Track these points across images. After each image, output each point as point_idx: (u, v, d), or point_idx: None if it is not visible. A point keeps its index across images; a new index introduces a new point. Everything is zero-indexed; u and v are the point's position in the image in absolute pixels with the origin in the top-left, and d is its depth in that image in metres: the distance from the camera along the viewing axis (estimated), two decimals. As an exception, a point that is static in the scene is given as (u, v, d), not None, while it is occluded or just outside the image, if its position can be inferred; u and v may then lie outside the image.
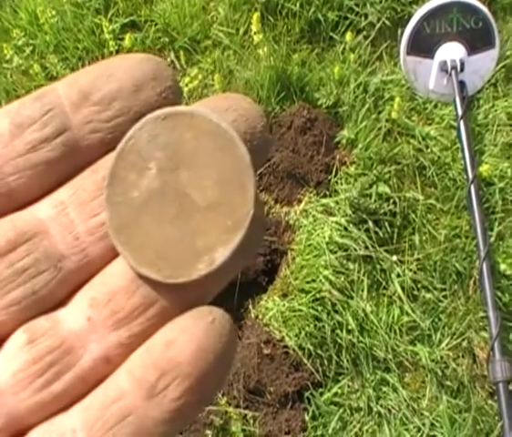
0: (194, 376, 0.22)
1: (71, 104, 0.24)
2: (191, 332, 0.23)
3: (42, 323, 0.23)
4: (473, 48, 1.59)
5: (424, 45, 1.60)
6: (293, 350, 1.38)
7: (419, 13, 1.57)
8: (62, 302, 0.24)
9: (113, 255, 0.24)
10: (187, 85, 1.67)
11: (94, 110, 0.24)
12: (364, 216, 1.46)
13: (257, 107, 0.26)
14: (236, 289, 1.41)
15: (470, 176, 1.45)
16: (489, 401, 1.36)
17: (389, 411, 1.37)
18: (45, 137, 0.23)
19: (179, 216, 0.24)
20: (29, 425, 0.23)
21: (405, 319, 1.43)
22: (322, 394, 1.38)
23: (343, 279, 1.43)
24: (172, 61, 1.72)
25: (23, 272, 0.23)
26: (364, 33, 1.71)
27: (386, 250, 1.46)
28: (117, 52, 1.68)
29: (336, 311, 1.41)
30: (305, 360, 1.38)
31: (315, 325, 1.40)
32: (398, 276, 1.45)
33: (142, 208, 0.24)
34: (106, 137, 0.24)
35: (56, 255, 0.23)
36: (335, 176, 1.53)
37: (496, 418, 1.33)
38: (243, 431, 1.33)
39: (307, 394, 1.37)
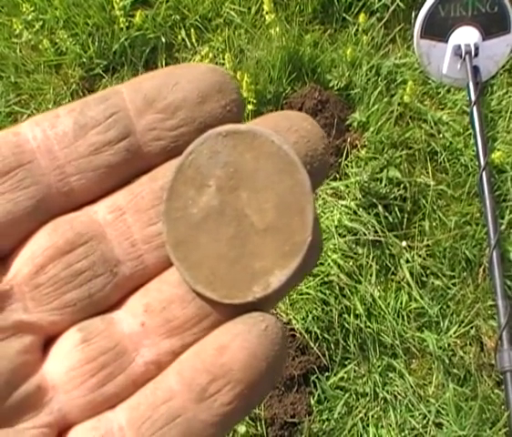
0: (246, 382, 0.23)
1: (135, 109, 0.24)
2: (244, 338, 0.23)
3: (97, 323, 0.24)
4: (488, 33, 1.57)
5: (438, 29, 1.58)
6: (300, 333, 1.38)
7: (434, -5, 1.54)
8: (115, 305, 0.24)
9: (167, 264, 0.24)
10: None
11: (158, 118, 0.24)
12: (374, 200, 1.45)
13: (318, 128, 0.25)
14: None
15: (482, 162, 1.43)
16: (496, 391, 1.36)
17: (395, 397, 1.37)
18: (108, 140, 0.24)
19: (236, 236, 0.24)
20: (76, 422, 0.23)
21: (413, 305, 1.42)
22: (328, 378, 1.37)
23: (351, 263, 1.42)
24: (183, 39, 1.70)
25: (80, 274, 0.23)
26: (378, 15, 1.68)
27: (396, 236, 1.45)
28: (128, 28, 1.66)
29: (344, 296, 1.41)
30: (312, 344, 1.37)
31: (323, 309, 1.39)
32: (407, 261, 1.44)
33: (200, 226, 0.24)
34: (168, 146, 0.24)
35: (113, 260, 0.24)
36: (346, 159, 1.51)
37: (503, 407, 1.32)
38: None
39: (313, 378, 1.36)
